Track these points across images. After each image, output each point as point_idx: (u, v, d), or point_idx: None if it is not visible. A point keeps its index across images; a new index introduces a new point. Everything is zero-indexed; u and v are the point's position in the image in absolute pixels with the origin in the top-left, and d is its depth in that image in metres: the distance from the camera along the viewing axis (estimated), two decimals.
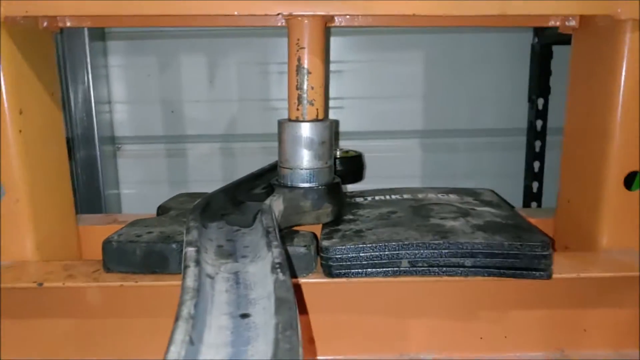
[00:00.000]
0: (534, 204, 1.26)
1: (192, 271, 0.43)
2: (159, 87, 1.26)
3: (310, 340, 0.67)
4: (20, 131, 0.70)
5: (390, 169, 1.29)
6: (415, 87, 1.26)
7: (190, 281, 0.41)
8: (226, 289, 0.44)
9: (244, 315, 0.39)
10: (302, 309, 0.66)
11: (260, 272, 0.47)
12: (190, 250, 0.47)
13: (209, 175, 1.30)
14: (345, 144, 1.25)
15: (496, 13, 0.68)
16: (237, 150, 1.30)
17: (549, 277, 0.63)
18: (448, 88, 1.26)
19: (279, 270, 0.43)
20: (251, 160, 1.27)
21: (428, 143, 1.29)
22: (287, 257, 0.57)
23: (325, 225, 0.73)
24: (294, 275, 0.63)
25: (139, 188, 1.32)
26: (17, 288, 0.66)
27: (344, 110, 1.27)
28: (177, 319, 0.35)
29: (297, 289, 0.63)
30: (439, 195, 0.83)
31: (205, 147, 1.30)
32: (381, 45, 1.23)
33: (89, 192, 1.25)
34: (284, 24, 0.74)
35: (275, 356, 0.31)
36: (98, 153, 1.24)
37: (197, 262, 0.45)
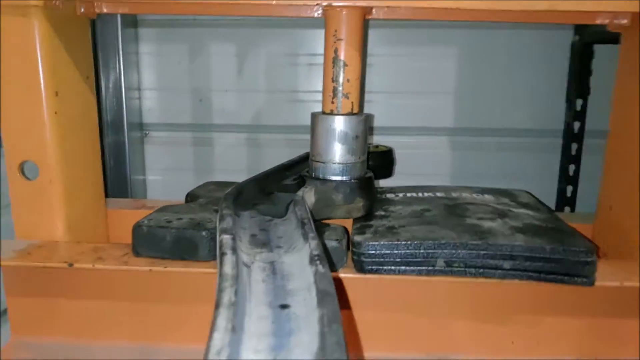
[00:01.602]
0: (567, 209, 1.22)
1: (229, 258, 0.42)
2: (188, 75, 1.26)
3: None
4: (55, 113, 0.71)
5: (418, 166, 1.26)
6: (446, 84, 1.23)
7: (228, 268, 0.40)
8: (263, 278, 0.43)
9: (284, 306, 0.38)
10: (344, 303, 0.64)
11: (297, 263, 0.46)
12: (226, 238, 0.46)
13: (234, 164, 1.30)
14: (372, 139, 1.23)
15: (545, 8, 0.65)
16: (263, 141, 1.29)
17: (592, 284, 0.61)
18: (481, 85, 1.23)
19: (318, 262, 0.42)
20: (277, 152, 1.27)
21: (458, 141, 1.26)
22: (325, 249, 0.56)
23: (356, 220, 0.71)
24: (332, 269, 0.61)
25: (165, 175, 1.32)
26: (47, 267, 0.66)
27: (374, 104, 1.25)
28: (217, 305, 0.34)
29: (338, 283, 0.62)
30: (474, 195, 0.81)
31: (231, 136, 1.29)
32: (413, 40, 1.21)
33: (116, 177, 1.25)
34: (320, 14, 0.73)
35: (323, 349, 0.30)
36: (126, 139, 1.25)
37: (234, 250, 0.44)
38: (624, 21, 0.72)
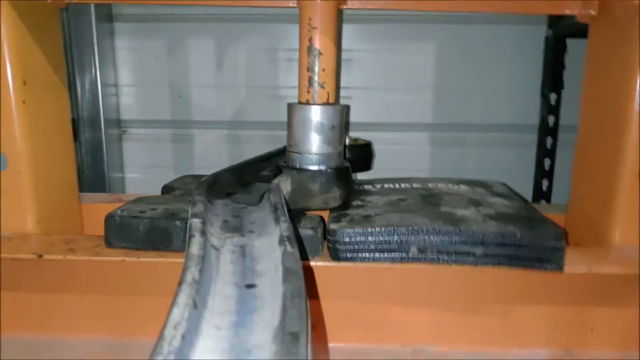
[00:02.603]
0: (543, 202, 1.24)
1: (197, 240, 0.41)
2: (166, 71, 1.25)
3: (313, 326, 0.66)
4: (23, 102, 0.70)
5: (398, 162, 1.27)
6: (425, 79, 1.24)
7: (195, 249, 0.39)
8: (231, 260, 0.43)
9: (250, 286, 0.38)
10: (313, 293, 0.64)
11: (267, 246, 0.45)
12: (195, 221, 0.46)
13: (214, 161, 1.29)
14: (352, 135, 1.23)
15: None
16: (243, 137, 1.29)
17: (561, 269, 0.62)
18: (459, 81, 1.24)
19: (287, 242, 0.41)
20: (257, 148, 1.25)
21: (437, 137, 1.28)
22: (297, 235, 0.56)
23: (333, 210, 0.71)
24: (303, 257, 0.61)
25: (144, 172, 1.31)
26: (17, 259, 0.64)
27: (352, 100, 1.25)
28: (180, 283, 0.33)
29: (308, 272, 0.62)
30: (449, 185, 0.82)
31: (211, 133, 1.28)
32: (392, 35, 1.22)
33: (93, 175, 1.24)
34: (295, 5, 0.73)
35: (283, 322, 0.29)
36: (103, 136, 1.23)
37: (203, 233, 0.44)
38: (592, 11, 0.73)
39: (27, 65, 0.70)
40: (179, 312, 0.29)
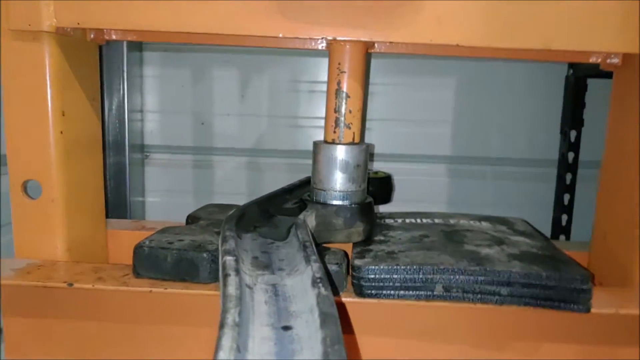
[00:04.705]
0: (562, 237, 1.23)
1: (233, 279, 0.42)
2: (191, 98, 1.29)
3: None
4: (61, 132, 0.72)
5: (416, 193, 1.28)
6: (444, 113, 1.26)
7: (232, 289, 0.40)
8: (265, 300, 0.44)
9: (286, 328, 0.38)
10: (347, 328, 0.64)
11: (299, 285, 0.46)
12: (229, 259, 0.47)
13: (234, 188, 1.31)
14: (372, 165, 1.25)
15: (540, 47, 0.68)
16: (263, 165, 1.31)
17: (588, 310, 0.62)
18: (478, 115, 1.26)
19: (320, 284, 0.42)
20: (277, 176, 1.28)
21: (455, 169, 1.28)
22: (327, 272, 0.57)
23: (356, 245, 0.72)
24: (333, 293, 0.62)
25: (164, 197, 1.33)
26: (47, 287, 0.66)
27: (372, 131, 1.27)
28: (222, 326, 0.34)
29: (341, 307, 0.62)
30: (471, 222, 0.82)
31: (232, 160, 1.31)
32: (412, 70, 1.24)
33: (116, 198, 1.26)
34: (324, 47, 0.75)
35: None
36: (127, 160, 1.26)
37: (237, 271, 0.45)
38: (616, 60, 0.75)
39: (67, 97, 0.73)
40: (225, 356, 0.30)
